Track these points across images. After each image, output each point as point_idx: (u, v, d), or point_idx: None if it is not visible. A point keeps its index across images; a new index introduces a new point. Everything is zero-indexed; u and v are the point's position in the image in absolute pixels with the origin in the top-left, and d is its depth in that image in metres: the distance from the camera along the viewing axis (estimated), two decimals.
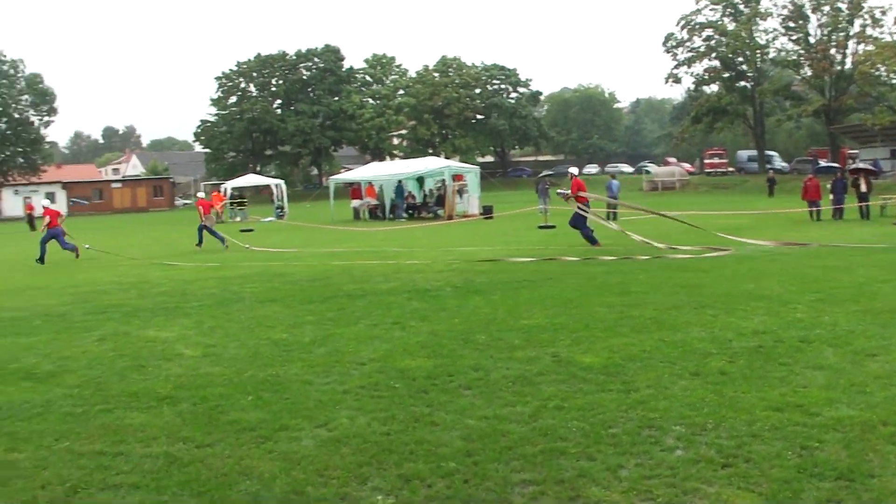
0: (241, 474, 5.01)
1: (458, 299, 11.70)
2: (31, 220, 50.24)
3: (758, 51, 70.99)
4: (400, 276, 14.84)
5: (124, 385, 7.40)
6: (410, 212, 39.74)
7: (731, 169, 79.03)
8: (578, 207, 19.58)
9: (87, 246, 23.34)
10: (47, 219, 22.70)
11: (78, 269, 19.83)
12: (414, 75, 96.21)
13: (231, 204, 46.31)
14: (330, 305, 11.68)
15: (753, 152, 77.02)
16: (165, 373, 7.81)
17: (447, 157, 70.22)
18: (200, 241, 24.90)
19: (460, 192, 39.11)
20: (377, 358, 8.00)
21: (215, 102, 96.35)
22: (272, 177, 68.28)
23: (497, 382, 6.88)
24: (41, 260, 21.73)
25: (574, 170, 22.72)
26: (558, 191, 22.01)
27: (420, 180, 41.55)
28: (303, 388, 7.01)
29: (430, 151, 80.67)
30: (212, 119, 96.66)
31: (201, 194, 30.55)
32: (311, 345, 8.84)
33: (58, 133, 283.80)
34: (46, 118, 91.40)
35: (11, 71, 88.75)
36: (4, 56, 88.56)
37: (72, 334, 10.28)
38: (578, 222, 19.70)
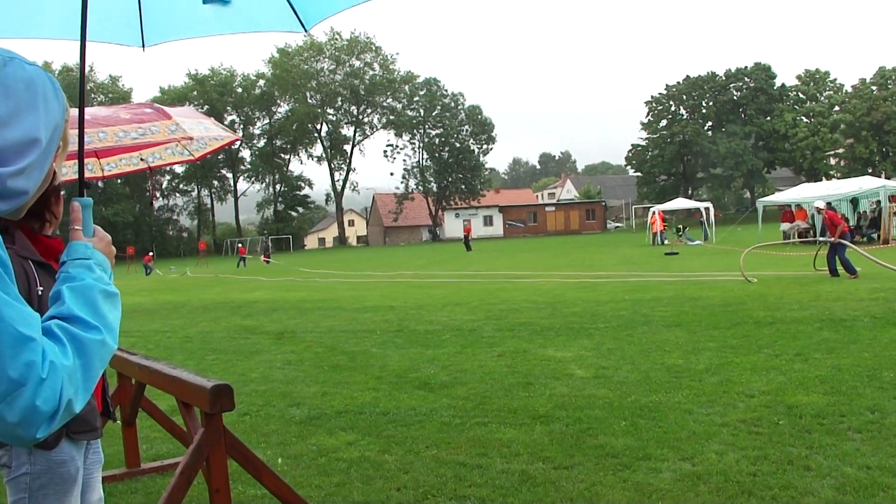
0: (588, 501, 4.91)
1: (874, 331, 10.50)
2: (467, 241, 54.57)
3: None
4: (817, 303, 13.70)
5: (507, 400, 7.65)
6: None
7: None
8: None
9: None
10: None
11: (501, 288, 20.92)
12: (850, 90, 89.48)
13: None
14: (735, 332, 11.14)
15: None
16: (550, 392, 7.94)
17: (887, 177, 64.00)
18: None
19: None
20: (768, 391, 7.45)
21: (646, 126, 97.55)
22: (702, 200, 67.24)
23: (893, 428, 6.03)
24: None
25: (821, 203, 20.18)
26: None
27: (854, 202, 38.46)
28: (681, 417, 6.74)
29: (870, 171, 74.34)
30: (642, 143, 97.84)
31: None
32: (704, 372, 8.48)
33: (497, 160, 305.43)
34: (485, 146, 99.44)
35: (453, 104, 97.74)
36: (446, 90, 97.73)
37: (475, 349, 10.87)
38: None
